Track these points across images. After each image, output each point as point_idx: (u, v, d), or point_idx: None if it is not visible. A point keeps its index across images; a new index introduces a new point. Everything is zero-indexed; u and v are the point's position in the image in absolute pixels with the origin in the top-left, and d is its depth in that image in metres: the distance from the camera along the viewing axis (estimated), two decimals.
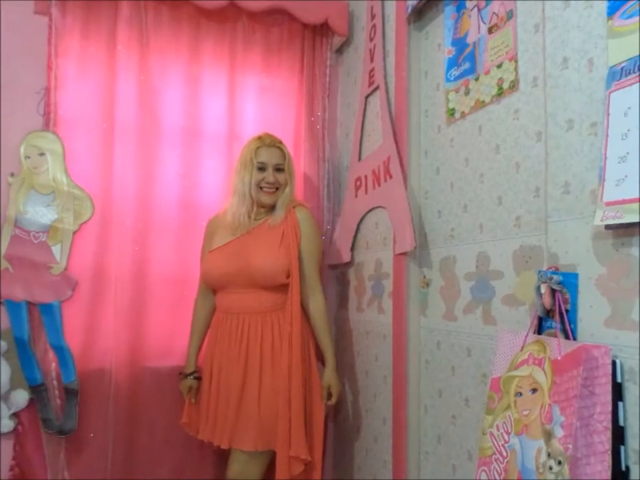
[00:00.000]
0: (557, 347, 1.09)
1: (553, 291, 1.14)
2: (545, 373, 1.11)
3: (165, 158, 2.25)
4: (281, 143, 2.00)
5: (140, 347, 2.17)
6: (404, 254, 1.79)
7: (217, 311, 2.03)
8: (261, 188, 1.95)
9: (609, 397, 1.00)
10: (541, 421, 1.08)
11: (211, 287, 2.03)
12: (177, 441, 2.17)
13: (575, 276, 1.13)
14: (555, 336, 1.12)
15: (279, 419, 1.82)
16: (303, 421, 1.85)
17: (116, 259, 2.14)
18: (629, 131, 0.97)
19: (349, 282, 2.34)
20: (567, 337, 1.11)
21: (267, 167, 1.95)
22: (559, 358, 1.07)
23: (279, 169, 1.97)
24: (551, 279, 1.14)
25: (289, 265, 1.91)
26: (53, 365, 2.04)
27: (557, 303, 1.13)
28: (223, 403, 1.90)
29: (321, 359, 2.01)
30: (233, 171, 2.02)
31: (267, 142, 1.97)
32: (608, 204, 1.00)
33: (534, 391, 1.12)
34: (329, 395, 1.95)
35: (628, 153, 0.97)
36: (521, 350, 1.20)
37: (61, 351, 2.04)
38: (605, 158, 1.02)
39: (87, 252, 2.12)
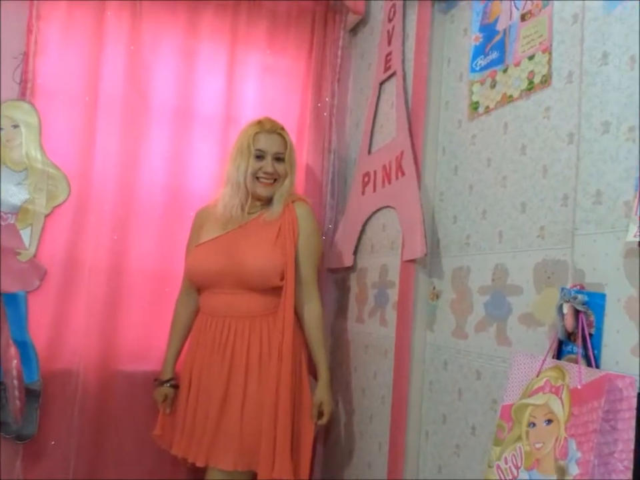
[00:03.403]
0: (578, 374, 1.09)
1: (577, 312, 1.14)
2: (562, 402, 1.10)
3: (152, 139, 2.26)
4: (282, 129, 2.01)
5: (112, 348, 2.17)
6: (412, 261, 1.79)
7: (200, 312, 2.03)
8: (257, 178, 1.95)
9: (632, 434, 1.00)
10: (554, 456, 1.08)
11: (196, 286, 2.03)
12: (148, 454, 2.18)
13: (602, 296, 1.12)
14: (576, 362, 1.12)
15: (262, 437, 1.82)
16: (290, 440, 1.85)
17: (91, 248, 2.14)
18: None
19: (350, 289, 2.34)
20: (589, 364, 1.11)
21: (266, 155, 1.95)
22: (579, 387, 1.07)
23: (278, 158, 1.97)
24: (575, 298, 1.14)
25: (284, 266, 1.91)
26: (14, 362, 2.04)
27: (580, 326, 1.13)
28: (202, 416, 1.90)
29: (313, 372, 2.02)
30: (228, 158, 2.02)
31: (267, 127, 1.97)
32: None
33: (549, 422, 1.12)
34: (320, 414, 1.95)
35: None
36: (537, 376, 1.20)
37: (24, 347, 2.04)
38: None
39: (59, 239, 2.12)
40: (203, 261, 1.96)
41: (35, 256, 2.07)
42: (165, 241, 2.25)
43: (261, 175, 1.95)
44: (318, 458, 2.37)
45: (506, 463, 1.20)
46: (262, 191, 1.96)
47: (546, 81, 1.38)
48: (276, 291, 1.92)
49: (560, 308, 1.17)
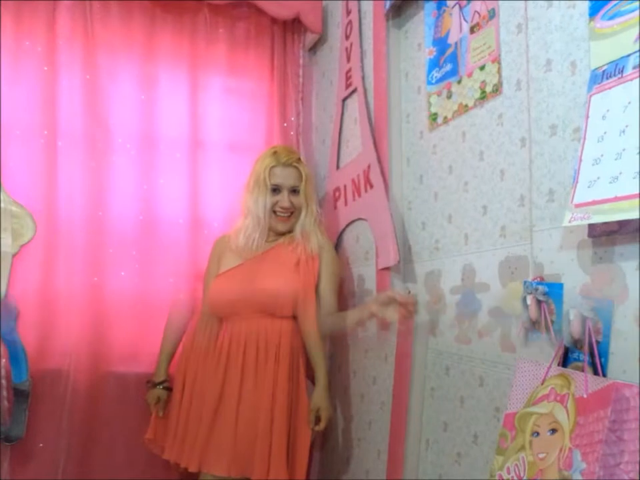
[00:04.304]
0: (584, 383, 1.09)
1: (539, 302, 1.23)
2: (567, 411, 1.11)
3: (117, 168, 2.27)
4: (298, 160, 2.04)
5: (103, 349, 2.18)
6: (387, 269, 1.85)
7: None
8: (274, 212, 1.98)
9: (639, 445, 1.00)
10: (558, 467, 1.09)
11: (218, 315, 2.01)
12: (139, 457, 2.18)
13: (560, 286, 1.21)
14: (582, 370, 1.13)
15: (257, 442, 1.83)
16: (285, 446, 1.85)
17: (65, 284, 2.15)
18: (605, 133, 1.08)
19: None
20: (595, 372, 1.12)
21: (282, 190, 1.98)
22: (585, 396, 1.08)
23: (294, 191, 2.00)
24: (536, 289, 1.24)
25: (301, 295, 1.94)
26: (3, 361, 2.04)
27: (586, 333, 1.14)
28: (195, 419, 1.90)
29: (310, 377, 2.02)
30: (245, 187, 2.04)
31: (283, 161, 1.99)
32: (577, 205, 1.10)
33: (553, 431, 1.13)
34: (317, 419, 1.95)
35: (602, 155, 1.07)
36: (542, 383, 1.21)
37: (13, 346, 2.03)
38: (580, 161, 1.12)
39: (30, 278, 2.11)
40: (224, 290, 1.97)
41: (5, 297, 2.05)
42: (140, 270, 2.27)
43: (277, 208, 1.98)
44: (314, 464, 2.38)
45: (508, 473, 1.21)
46: (280, 226, 2.01)
47: (497, 89, 1.48)
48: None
49: (524, 300, 1.28)
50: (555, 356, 1.22)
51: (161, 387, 2.06)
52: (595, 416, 1.04)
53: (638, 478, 1.00)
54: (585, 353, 1.14)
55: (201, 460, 1.86)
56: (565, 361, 1.22)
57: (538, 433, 1.17)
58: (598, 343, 1.14)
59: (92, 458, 2.16)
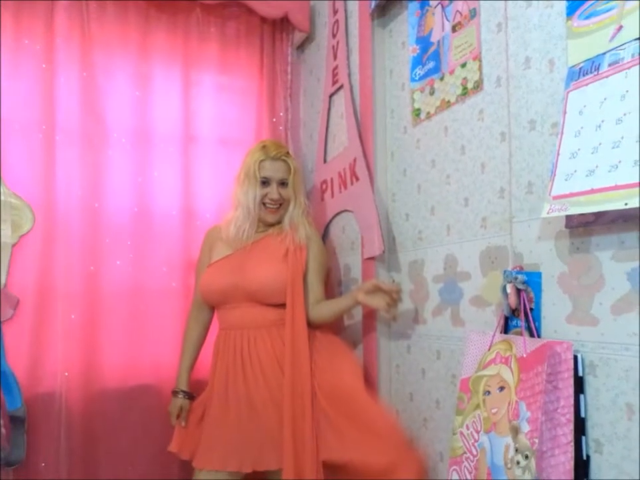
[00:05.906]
0: (523, 345, 1.22)
1: (518, 291, 1.28)
2: (511, 370, 1.24)
3: (113, 162, 2.28)
4: (287, 154, 2.02)
5: (93, 366, 2.18)
6: (372, 258, 1.91)
7: (218, 329, 2.01)
8: (264, 204, 1.98)
9: (571, 391, 1.14)
10: (508, 418, 1.21)
11: (210, 304, 2.03)
12: (140, 467, 2.19)
13: (539, 275, 1.27)
14: (521, 334, 1.25)
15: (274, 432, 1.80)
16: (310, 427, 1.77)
17: (62, 272, 2.15)
18: (582, 128, 1.12)
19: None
20: (531, 335, 1.25)
21: (271, 182, 1.97)
22: (525, 355, 1.21)
23: (283, 183, 1.99)
24: (516, 278, 1.27)
25: (290, 284, 1.91)
26: None
27: (521, 302, 1.27)
28: (236, 422, 1.84)
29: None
30: (236, 180, 2.02)
31: (272, 155, 1.97)
32: (555, 197, 1.14)
33: (501, 389, 1.26)
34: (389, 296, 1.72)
35: (579, 149, 1.11)
36: (489, 350, 1.34)
37: (4, 376, 1.99)
38: (558, 154, 1.16)
39: (29, 266, 2.11)
40: (215, 279, 1.96)
41: (5, 286, 2.05)
42: (135, 258, 2.28)
43: (267, 200, 1.97)
44: None
45: (468, 429, 1.33)
46: (269, 217, 1.99)
47: (478, 86, 1.51)
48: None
49: (504, 288, 1.30)
50: (497, 325, 1.34)
51: (181, 395, 2.00)
52: (534, 371, 1.17)
53: (572, 418, 1.13)
54: (521, 319, 1.26)
55: (254, 460, 1.78)
56: (506, 328, 1.34)
57: (489, 392, 1.29)
58: (532, 310, 1.27)
59: (94, 472, 2.15)
